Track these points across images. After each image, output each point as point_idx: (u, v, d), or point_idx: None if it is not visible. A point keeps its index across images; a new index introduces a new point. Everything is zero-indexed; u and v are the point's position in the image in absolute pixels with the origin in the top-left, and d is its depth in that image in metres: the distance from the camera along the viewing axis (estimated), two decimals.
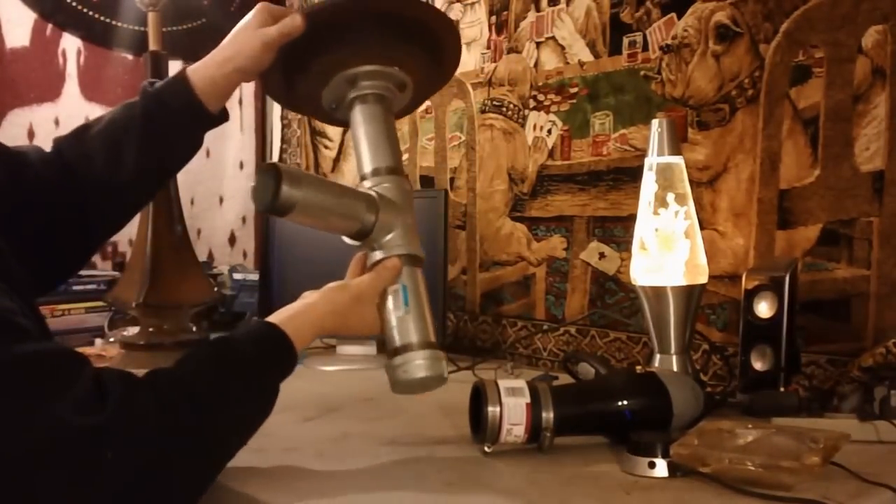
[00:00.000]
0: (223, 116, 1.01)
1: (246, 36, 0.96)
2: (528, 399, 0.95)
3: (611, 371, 1.19)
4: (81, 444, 0.67)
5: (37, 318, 0.82)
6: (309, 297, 0.93)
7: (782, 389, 1.13)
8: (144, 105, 0.96)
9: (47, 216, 0.92)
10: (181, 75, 0.96)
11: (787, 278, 1.15)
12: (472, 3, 1.80)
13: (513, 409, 0.95)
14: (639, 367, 1.15)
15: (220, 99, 0.98)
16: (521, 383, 0.98)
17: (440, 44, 1.03)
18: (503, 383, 0.97)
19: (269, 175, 0.90)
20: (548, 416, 0.95)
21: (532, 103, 1.67)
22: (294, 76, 1.01)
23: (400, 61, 0.99)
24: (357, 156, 1.01)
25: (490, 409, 0.95)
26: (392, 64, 0.99)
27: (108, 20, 1.98)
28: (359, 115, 1.00)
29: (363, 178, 0.99)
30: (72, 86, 2.11)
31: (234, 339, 0.83)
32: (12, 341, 0.69)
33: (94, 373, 0.71)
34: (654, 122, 1.24)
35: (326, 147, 2.24)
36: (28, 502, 0.66)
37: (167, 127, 0.96)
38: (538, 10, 1.66)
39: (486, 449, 0.93)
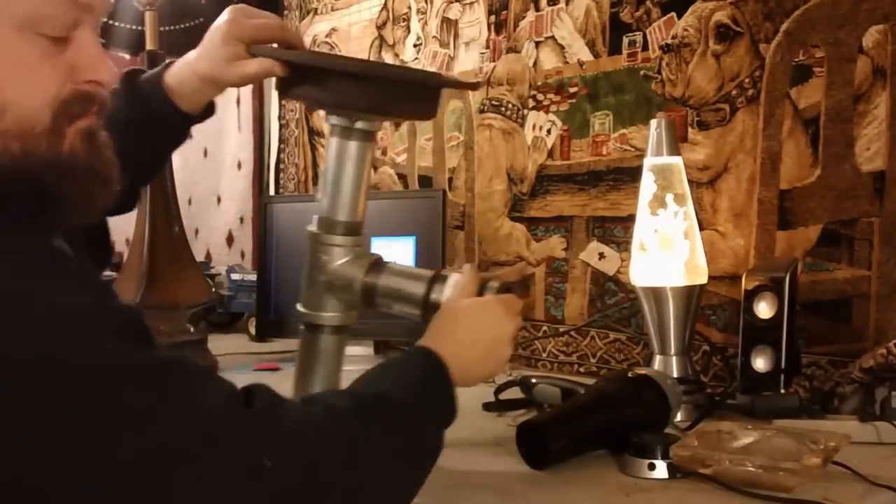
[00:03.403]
0: (207, 113, 0.97)
1: (215, 49, 0.89)
2: None
3: (599, 385, 1.10)
4: (236, 432, 0.58)
5: None
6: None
7: (783, 390, 1.13)
8: (126, 99, 0.93)
9: None
10: (159, 76, 0.94)
11: (788, 279, 1.15)
12: (471, 3, 1.80)
13: None
14: (603, 373, 1.12)
15: (199, 100, 0.94)
16: None
17: (427, 93, 0.93)
18: None
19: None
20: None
21: (531, 103, 1.66)
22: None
23: (382, 111, 0.91)
24: (327, 189, 0.91)
25: None
26: (375, 115, 0.91)
27: (105, 19, 1.97)
28: (334, 149, 0.91)
29: (332, 223, 0.90)
30: None
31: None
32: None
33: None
34: (653, 123, 1.23)
35: (324, 147, 2.24)
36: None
37: (148, 124, 0.93)
38: (537, 9, 1.66)
39: None
